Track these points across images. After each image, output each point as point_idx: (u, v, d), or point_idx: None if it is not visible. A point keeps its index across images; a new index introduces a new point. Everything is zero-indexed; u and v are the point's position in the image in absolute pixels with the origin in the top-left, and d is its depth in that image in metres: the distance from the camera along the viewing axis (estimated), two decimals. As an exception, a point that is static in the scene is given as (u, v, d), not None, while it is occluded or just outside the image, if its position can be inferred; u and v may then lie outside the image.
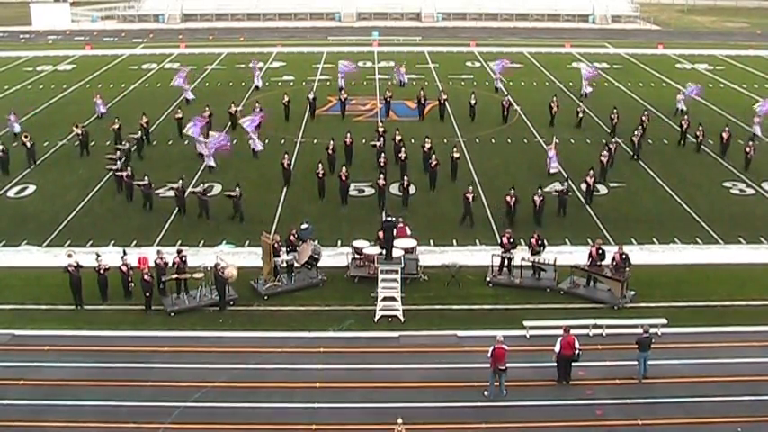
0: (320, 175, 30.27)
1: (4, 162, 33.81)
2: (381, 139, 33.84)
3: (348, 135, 34.13)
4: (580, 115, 40.27)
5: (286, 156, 31.98)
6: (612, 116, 38.86)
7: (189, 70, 49.27)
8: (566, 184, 29.59)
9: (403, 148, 32.49)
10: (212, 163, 32.54)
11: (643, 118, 38.20)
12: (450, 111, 40.77)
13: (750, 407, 17.74)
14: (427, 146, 32.52)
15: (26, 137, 35.43)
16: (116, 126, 36.80)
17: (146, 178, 29.18)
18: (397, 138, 33.56)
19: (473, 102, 41.04)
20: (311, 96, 41.81)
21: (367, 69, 55.76)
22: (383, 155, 32.03)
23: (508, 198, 27.73)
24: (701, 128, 36.57)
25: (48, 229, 27.54)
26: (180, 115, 38.71)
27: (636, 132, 35.38)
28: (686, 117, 38.46)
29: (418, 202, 30.01)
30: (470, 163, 34.32)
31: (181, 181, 29.00)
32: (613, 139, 35.54)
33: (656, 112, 42.08)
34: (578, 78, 49.24)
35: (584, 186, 29.86)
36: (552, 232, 26.30)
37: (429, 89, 48.53)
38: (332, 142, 33.18)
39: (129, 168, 30.47)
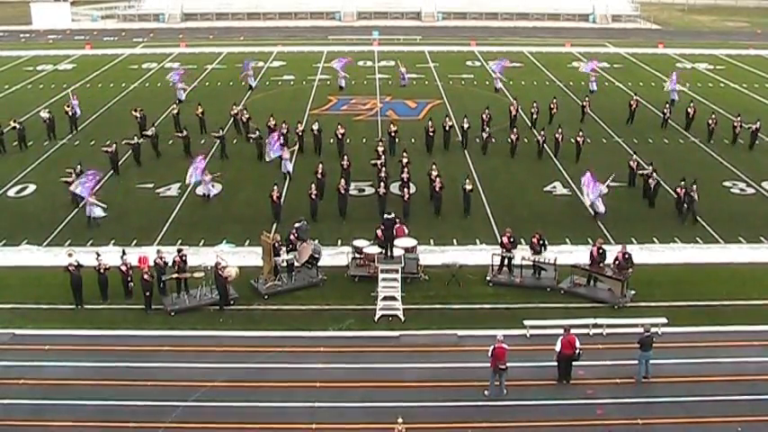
0: (312, 197, 28.09)
1: (51, 127, 37.90)
2: (383, 157, 31.39)
3: (345, 158, 31.09)
4: (586, 110, 41.17)
5: (275, 187, 28.22)
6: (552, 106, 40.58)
7: (186, 70, 49.30)
8: (649, 167, 29.99)
9: (406, 169, 29.74)
10: (214, 191, 30.30)
11: (551, 106, 40.22)
12: (453, 114, 40.43)
13: (750, 406, 17.73)
14: (434, 174, 29.07)
15: (68, 106, 39.08)
16: (175, 111, 38.75)
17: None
18: (404, 160, 30.31)
19: (466, 126, 36.65)
20: (316, 128, 35.63)
21: (367, 69, 55.73)
22: (384, 169, 29.83)
23: (679, 190, 27.51)
24: (667, 105, 40.46)
25: (48, 229, 27.51)
26: (176, 111, 38.86)
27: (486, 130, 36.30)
28: (668, 107, 40.65)
29: (419, 201, 29.94)
30: (471, 163, 34.26)
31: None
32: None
33: (656, 111, 42.00)
34: (578, 77, 49.32)
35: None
36: (553, 232, 26.28)
37: (429, 88, 48.72)
38: (321, 166, 29.91)
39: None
